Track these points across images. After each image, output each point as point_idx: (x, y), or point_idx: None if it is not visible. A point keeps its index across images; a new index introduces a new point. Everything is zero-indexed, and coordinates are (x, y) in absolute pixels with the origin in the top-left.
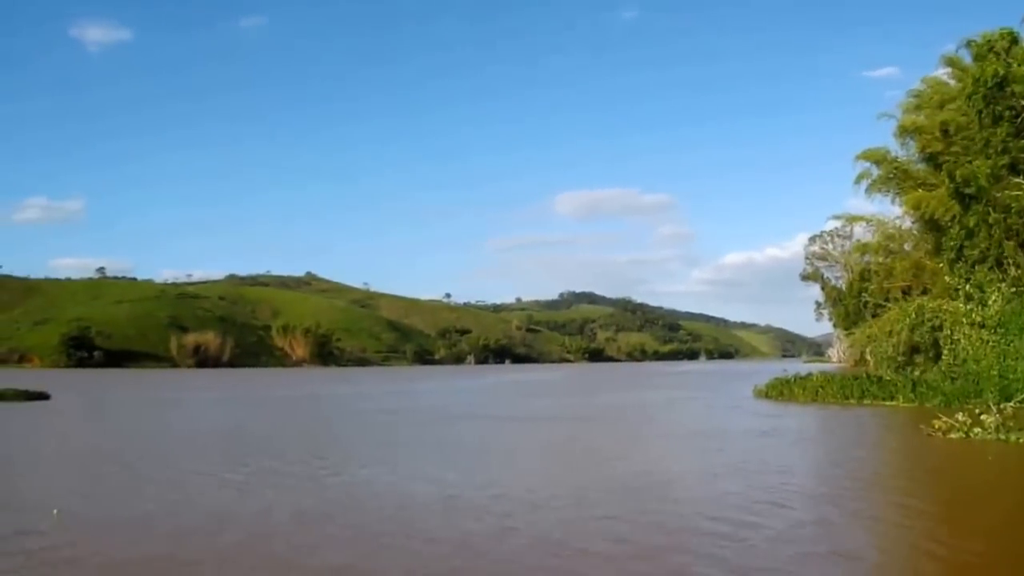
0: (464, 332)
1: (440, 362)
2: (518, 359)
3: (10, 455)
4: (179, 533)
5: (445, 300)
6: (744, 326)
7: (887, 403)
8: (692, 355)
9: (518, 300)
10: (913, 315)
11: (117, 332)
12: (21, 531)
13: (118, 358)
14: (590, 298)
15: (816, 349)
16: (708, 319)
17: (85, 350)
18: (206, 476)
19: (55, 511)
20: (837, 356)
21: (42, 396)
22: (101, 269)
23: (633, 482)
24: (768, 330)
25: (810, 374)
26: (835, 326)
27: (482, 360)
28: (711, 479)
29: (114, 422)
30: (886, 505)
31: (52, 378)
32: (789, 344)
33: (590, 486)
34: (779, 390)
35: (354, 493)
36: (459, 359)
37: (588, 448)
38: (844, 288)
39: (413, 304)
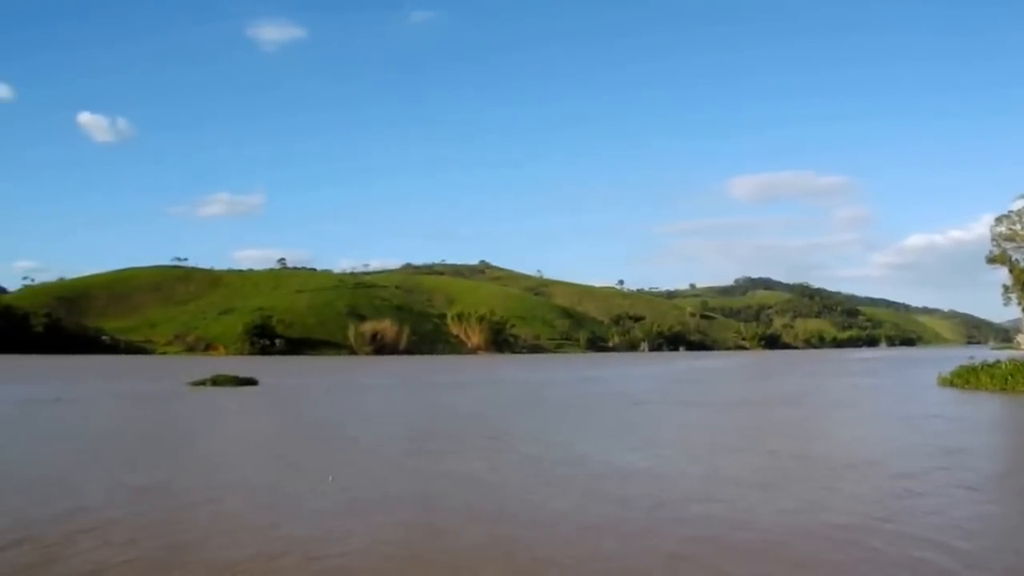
0: (637, 319)
1: (613, 349)
2: (692, 346)
3: (264, 432)
4: (434, 492)
5: (618, 287)
6: (926, 311)
7: None
8: (872, 342)
9: (692, 286)
10: None
11: (297, 321)
12: (314, 490)
13: (298, 345)
14: (766, 283)
15: (1004, 335)
16: (888, 304)
17: (267, 338)
18: (447, 448)
19: (330, 477)
20: None
21: (251, 382)
22: (282, 260)
23: (848, 461)
24: (952, 315)
25: (998, 362)
26: None
27: (655, 347)
28: (914, 459)
29: (332, 404)
30: None
31: (243, 365)
32: (974, 330)
33: (815, 465)
34: (965, 378)
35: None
36: (632, 346)
37: (799, 431)
38: None
39: (586, 291)
